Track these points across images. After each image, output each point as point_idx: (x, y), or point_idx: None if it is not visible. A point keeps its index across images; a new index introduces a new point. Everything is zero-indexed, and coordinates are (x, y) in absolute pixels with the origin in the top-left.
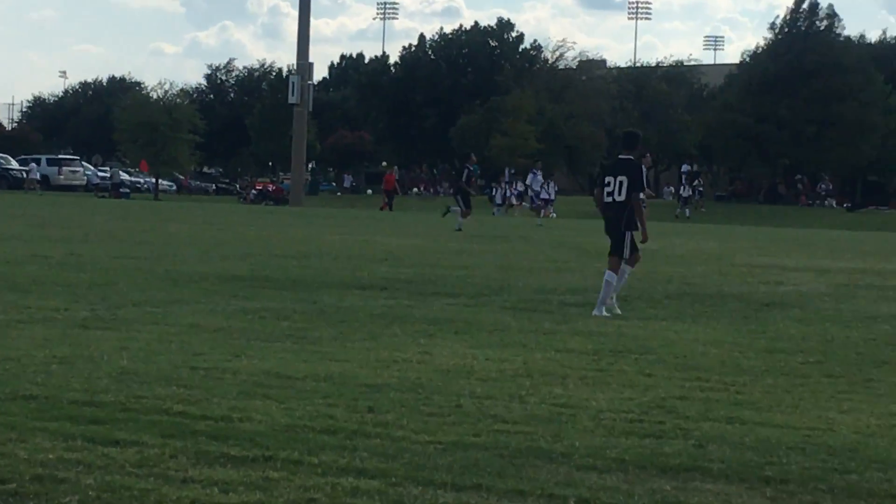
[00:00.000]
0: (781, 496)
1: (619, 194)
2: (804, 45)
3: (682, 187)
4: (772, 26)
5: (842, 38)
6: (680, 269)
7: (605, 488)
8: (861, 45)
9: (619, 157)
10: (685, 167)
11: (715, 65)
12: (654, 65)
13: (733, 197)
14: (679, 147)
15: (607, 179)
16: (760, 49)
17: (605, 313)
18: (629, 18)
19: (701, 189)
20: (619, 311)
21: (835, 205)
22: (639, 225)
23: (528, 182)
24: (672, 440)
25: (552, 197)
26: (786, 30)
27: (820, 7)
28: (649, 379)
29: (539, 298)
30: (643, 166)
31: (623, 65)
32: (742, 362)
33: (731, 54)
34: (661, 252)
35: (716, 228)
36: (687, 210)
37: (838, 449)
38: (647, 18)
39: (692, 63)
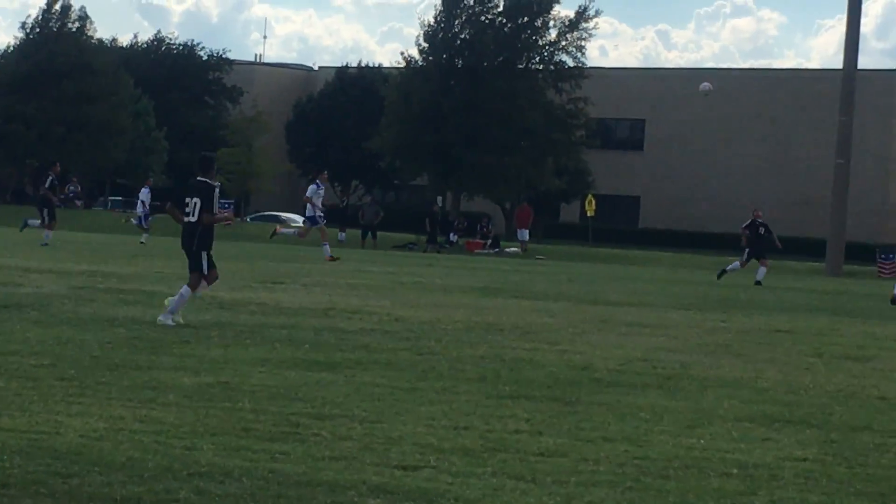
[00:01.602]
0: (2, 501)
1: (193, 215)
2: (56, 46)
3: None
4: (23, 26)
5: (94, 41)
6: None
7: None
8: (113, 48)
9: (197, 179)
10: None
11: None
12: None
13: None
14: None
15: (186, 200)
16: (11, 48)
17: (170, 322)
18: None
19: None
20: (180, 321)
21: (82, 206)
22: (222, 220)
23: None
24: None
25: None
26: (37, 30)
27: (73, 9)
28: None
29: None
30: (217, 190)
31: None
32: None
33: None
34: None
35: None
36: None
37: (63, 453)
38: None
39: None
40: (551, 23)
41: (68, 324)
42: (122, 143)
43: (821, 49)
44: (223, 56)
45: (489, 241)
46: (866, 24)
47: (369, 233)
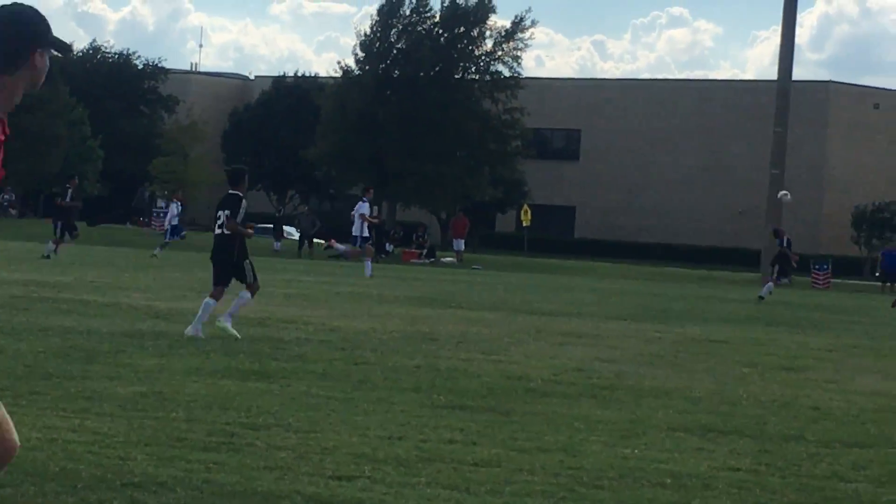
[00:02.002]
0: None
1: (228, 229)
2: None
3: None
4: None
5: None
6: None
7: None
8: (53, 58)
9: (228, 192)
10: None
11: None
12: None
13: None
14: None
15: (218, 213)
16: None
17: (199, 334)
18: None
19: None
20: (237, 335)
21: (16, 215)
22: (246, 232)
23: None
24: None
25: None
26: None
27: None
28: None
29: None
30: (244, 201)
31: None
32: None
33: None
34: None
35: None
36: None
37: None
38: None
39: None
40: (487, 33)
41: (1, 333)
42: (58, 153)
43: (756, 60)
44: (159, 65)
45: (425, 251)
46: (801, 36)
47: (305, 242)
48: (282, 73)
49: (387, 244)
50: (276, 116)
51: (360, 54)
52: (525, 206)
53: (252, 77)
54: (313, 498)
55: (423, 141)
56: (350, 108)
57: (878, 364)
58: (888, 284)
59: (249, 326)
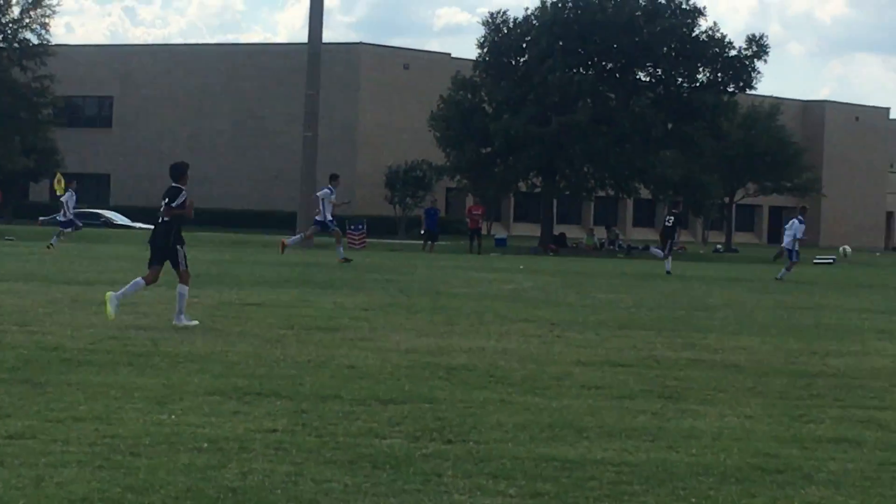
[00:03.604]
0: None
1: (166, 216)
2: None
3: None
4: None
5: None
6: None
7: None
8: None
9: (171, 185)
10: None
11: None
12: None
13: None
14: None
15: (161, 203)
16: None
17: (190, 322)
18: None
19: None
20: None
21: None
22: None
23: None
24: None
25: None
26: None
27: None
28: None
29: None
30: (184, 192)
31: None
32: None
33: None
34: None
35: None
36: None
37: None
38: None
39: None
40: (14, 0)
41: None
42: None
43: (287, 24)
44: None
45: None
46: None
47: None
48: None
49: None
50: None
51: None
52: (58, 175)
53: None
54: None
55: None
56: None
57: (412, 321)
58: (430, 242)
59: None
